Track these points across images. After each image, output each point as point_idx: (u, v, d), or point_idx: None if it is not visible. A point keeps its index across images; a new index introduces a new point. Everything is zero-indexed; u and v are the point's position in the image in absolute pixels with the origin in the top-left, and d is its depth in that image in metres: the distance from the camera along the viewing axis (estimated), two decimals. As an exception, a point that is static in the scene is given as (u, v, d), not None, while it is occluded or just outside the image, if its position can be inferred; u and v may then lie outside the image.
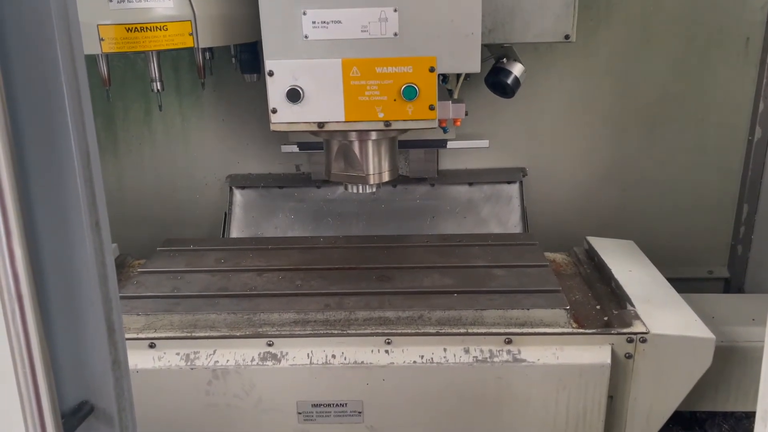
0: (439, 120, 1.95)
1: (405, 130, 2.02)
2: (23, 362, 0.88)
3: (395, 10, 1.83)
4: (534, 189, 2.97)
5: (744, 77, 2.82)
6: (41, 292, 0.93)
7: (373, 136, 2.08)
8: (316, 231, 2.89)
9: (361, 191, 2.19)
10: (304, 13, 1.84)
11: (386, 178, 2.17)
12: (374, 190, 2.19)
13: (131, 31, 1.92)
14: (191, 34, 1.98)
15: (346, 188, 2.21)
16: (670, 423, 2.53)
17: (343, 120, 1.93)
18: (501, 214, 2.90)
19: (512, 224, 2.87)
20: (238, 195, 2.95)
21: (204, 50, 2.17)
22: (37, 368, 0.89)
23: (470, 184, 2.93)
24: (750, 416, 2.52)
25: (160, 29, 1.94)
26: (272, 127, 1.94)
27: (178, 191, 3.02)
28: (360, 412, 1.96)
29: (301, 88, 1.88)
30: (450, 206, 2.91)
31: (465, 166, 2.97)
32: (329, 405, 1.96)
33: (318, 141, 2.31)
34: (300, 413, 1.96)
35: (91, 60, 2.01)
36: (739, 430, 2.51)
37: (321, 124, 1.94)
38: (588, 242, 2.55)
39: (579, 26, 2.18)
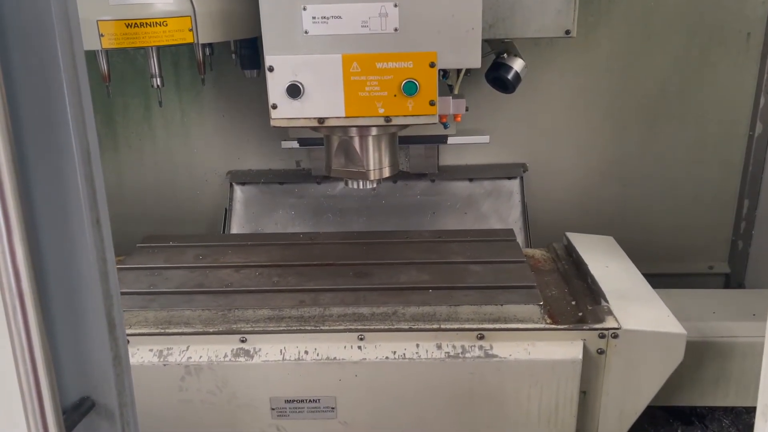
0: (439, 115, 1.95)
1: (405, 126, 2.02)
2: (24, 358, 0.88)
3: (395, 6, 1.83)
4: (534, 185, 2.97)
5: (745, 73, 2.81)
6: (42, 289, 0.93)
7: (374, 131, 2.07)
8: (317, 227, 2.89)
9: (361, 187, 2.19)
10: (304, 9, 1.83)
11: (387, 173, 2.17)
12: (374, 185, 2.19)
13: (131, 26, 1.91)
14: (191, 30, 1.98)
15: (346, 184, 2.21)
16: (670, 418, 2.54)
17: (344, 115, 1.92)
18: (501, 209, 2.90)
19: (512, 220, 2.88)
20: (238, 191, 2.95)
21: (204, 46, 2.17)
22: (39, 364, 0.89)
23: (471, 179, 2.92)
24: (750, 411, 2.53)
25: (160, 25, 1.93)
26: (272, 123, 1.94)
27: (178, 187, 3.02)
28: (333, 408, 1.96)
29: (301, 83, 1.88)
30: (450, 202, 2.91)
31: (465, 161, 2.97)
32: (302, 401, 1.96)
33: (318, 137, 2.30)
34: (273, 409, 1.96)
35: (91, 56, 2.01)
36: (739, 425, 2.51)
37: (321, 120, 1.93)
38: (567, 238, 2.53)
39: (580, 22, 2.17)
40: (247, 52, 2.57)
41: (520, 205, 2.89)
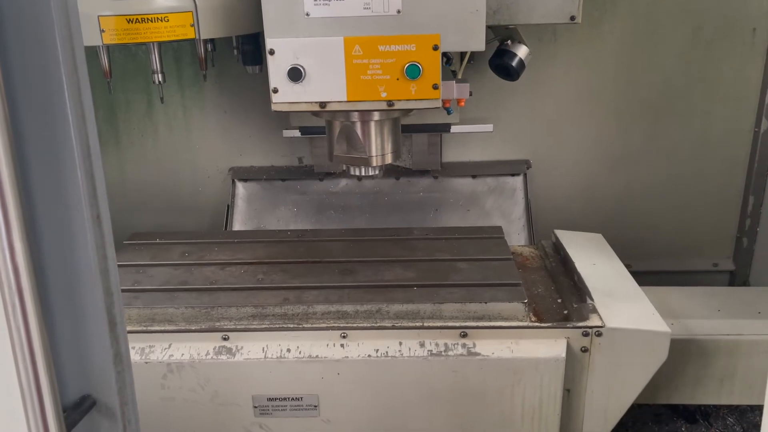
0: (442, 100, 1.92)
1: (408, 111, 1.99)
2: (24, 356, 0.88)
3: None
4: (538, 181, 2.96)
5: (750, 68, 2.79)
6: (42, 286, 0.92)
7: (376, 116, 2.04)
8: (319, 224, 2.88)
9: (363, 173, 2.16)
10: None
11: (389, 160, 2.14)
12: (377, 172, 2.16)
13: (132, 22, 1.90)
14: (193, 26, 1.97)
15: (348, 171, 2.18)
16: (674, 416, 2.53)
17: (345, 99, 1.90)
18: (505, 206, 2.88)
19: (516, 216, 2.86)
20: (240, 187, 2.94)
21: (205, 42, 2.15)
22: (38, 362, 0.88)
23: (474, 176, 2.91)
24: (755, 409, 2.52)
25: (162, 20, 1.92)
26: (273, 108, 1.91)
27: (180, 184, 3.02)
28: (316, 406, 1.96)
29: (302, 67, 1.85)
30: (453, 199, 2.90)
31: (469, 158, 2.95)
32: (285, 399, 1.95)
33: (321, 126, 2.28)
34: (256, 407, 1.96)
35: (92, 52, 2.00)
36: (743, 424, 2.50)
37: (323, 104, 1.91)
38: (555, 235, 2.51)
39: (584, 16, 2.15)
40: (249, 48, 2.56)
41: (523, 202, 2.87)
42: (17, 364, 0.88)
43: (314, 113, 1.96)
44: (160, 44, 2.08)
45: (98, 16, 1.89)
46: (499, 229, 2.50)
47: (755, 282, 3.00)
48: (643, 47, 2.78)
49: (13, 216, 0.83)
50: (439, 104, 1.91)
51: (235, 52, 2.55)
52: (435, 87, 1.88)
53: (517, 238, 2.81)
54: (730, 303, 2.39)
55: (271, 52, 1.85)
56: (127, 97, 2.88)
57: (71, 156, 0.92)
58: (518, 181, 2.90)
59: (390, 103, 1.90)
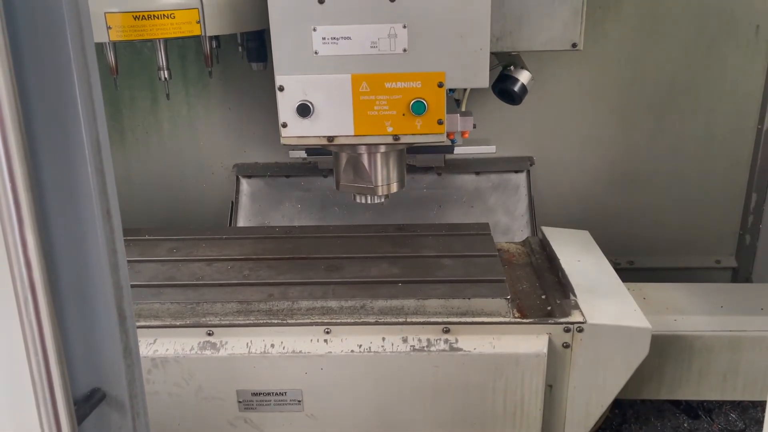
0: (447, 132, 1.96)
1: (413, 144, 2.04)
2: (36, 350, 0.89)
3: (404, 27, 1.83)
4: (541, 178, 2.96)
5: (754, 65, 2.79)
6: (53, 280, 0.93)
7: (382, 148, 2.09)
8: (323, 220, 2.89)
9: (369, 202, 2.20)
10: (315, 30, 1.83)
11: (394, 189, 2.19)
12: (383, 200, 2.21)
13: (138, 19, 1.91)
14: (198, 22, 1.98)
15: (354, 199, 2.22)
16: (677, 412, 2.54)
17: (353, 134, 1.93)
18: (508, 203, 2.89)
19: (519, 213, 2.87)
20: (244, 184, 2.95)
21: (211, 38, 2.16)
22: (50, 356, 0.90)
23: (477, 173, 2.92)
24: (757, 405, 2.52)
25: (168, 17, 1.93)
26: (282, 141, 1.95)
27: (185, 180, 3.03)
28: (300, 401, 1.97)
29: (311, 102, 1.89)
30: (457, 195, 2.91)
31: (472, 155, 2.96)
32: (269, 394, 1.96)
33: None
34: (240, 402, 1.97)
35: (98, 48, 2.01)
36: (746, 419, 2.51)
37: (330, 138, 1.95)
38: (542, 232, 2.52)
39: (587, 13, 2.15)
40: (254, 45, 2.57)
41: (526, 199, 2.88)
42: (29, 358, 0.89)
43: (322, 146, 2.01)
44: (166, 41, 2.09)
45: (105, 13, 1.90)
46: (485, 226, 2.50)
47: (758, 279, 3.01)
48: (646, 44, 2.78)
49: (25, 211, 0.84)
50: (444, 138, 1.95)
51: (240, 49, 2.56)
52: (440, 122, 1.91)
53: (520, 234, 2.82)
54: (732, 299, 2.39)
55: (281, 89, 1.88)
56: (132, 93, 2.89)
57: (82, 152, 0.93)
58: (521, 177, 2.90)
59: (396, 137, 1.94)
